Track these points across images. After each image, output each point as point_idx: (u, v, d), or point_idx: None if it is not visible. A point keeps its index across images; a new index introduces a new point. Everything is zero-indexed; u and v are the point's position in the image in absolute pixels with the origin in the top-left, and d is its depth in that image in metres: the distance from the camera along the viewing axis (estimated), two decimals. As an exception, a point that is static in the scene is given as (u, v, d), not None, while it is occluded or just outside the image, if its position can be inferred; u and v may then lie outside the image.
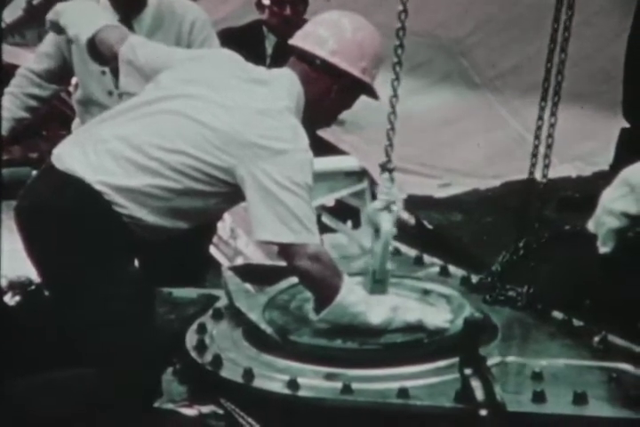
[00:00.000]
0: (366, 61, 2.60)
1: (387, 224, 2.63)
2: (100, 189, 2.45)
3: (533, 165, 2.97)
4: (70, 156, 2.52)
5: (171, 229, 2.54)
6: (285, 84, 2.58)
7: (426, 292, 2.75)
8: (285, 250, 2.46)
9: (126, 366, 2.43)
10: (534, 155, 2.91)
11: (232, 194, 2.52)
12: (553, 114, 2.92)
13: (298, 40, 2.64)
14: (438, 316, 2.54)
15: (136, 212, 2.47)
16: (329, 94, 2.60)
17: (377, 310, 2.50)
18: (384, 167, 2.68)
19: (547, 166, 2.88)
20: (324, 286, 2.48)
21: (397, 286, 2.75)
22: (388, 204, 2.66)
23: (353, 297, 2.48)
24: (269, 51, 4.24)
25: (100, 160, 2.49)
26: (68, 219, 2.45)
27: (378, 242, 2.62)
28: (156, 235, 2.54)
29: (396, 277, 2.77)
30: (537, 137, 2.90)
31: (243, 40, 4.16)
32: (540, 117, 2.89)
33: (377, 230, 2.64)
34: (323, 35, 2.60)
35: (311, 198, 2.49)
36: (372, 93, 2.66)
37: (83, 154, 2.51)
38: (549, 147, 2.90)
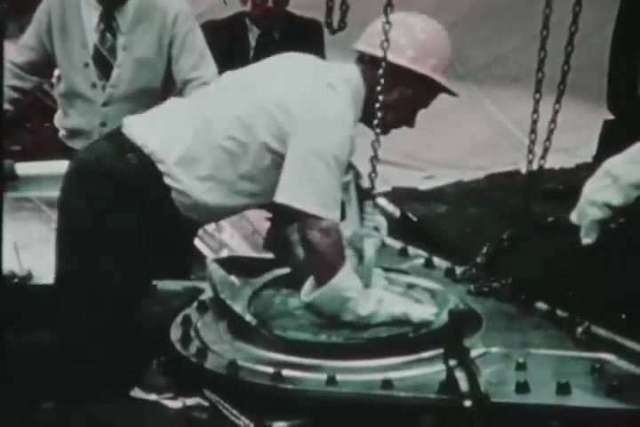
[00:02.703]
0: (415, 50, 2.58)
1: (370, 251, 2.64)
2: (158, 158, 2.53)
3: (530, 161, 2.96)
4: (138, 124, 2.62)
5: (219, 212, 2.63)
6: (345, 72, 2.61)
7: (410, 286, 2.75)
8: (301, 218, 2.49)
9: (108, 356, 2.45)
10: (530, 150, 2.91)
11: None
12: (557, 107, 2.91)
13: (359, 44, 2.64)
14: (423, 309, 2.55)
15: (190, 188, 2.54)
16: (386, 86, 2.56)
17: (366, 302, 2.50)
18: (368, 194, 2.69)
19: (543, 157, 2.87)
20: (324, 263, 2.49)
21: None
22: (372, 230, 2.67)
23: (349, 282, 2.49)
24: (253, 43, 4.23)
25: (168, 130, 2.58)
26: (118, 180, 2.53)
27: (361, 268, 2.61)
28: (202, 217, 2.62)
29: (381, 270, 2.77)
30: (533, 131, 2.89)
31: (226, 32, 4.15)
32: (535, 110, 2.89)
33: (360, 256, 2.64)
34: (372, 32, 2.60)
35: (342, 175, 2.52)
36: (443, 88, 2.64)
37: (152, 124, 2.61)
38: (549, 138, 2.90)
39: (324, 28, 2.75)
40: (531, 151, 2.85)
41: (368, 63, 2.62)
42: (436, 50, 2.61)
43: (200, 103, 2.65)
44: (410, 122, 2.69)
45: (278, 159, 2.54)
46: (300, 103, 2.51)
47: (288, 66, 2.67)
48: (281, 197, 2.49)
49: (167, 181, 2.55)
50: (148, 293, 2.64)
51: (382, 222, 2.71)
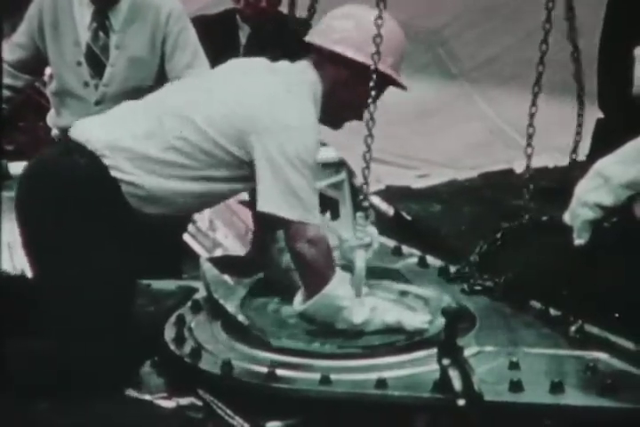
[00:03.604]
0: (394, 56, 2.60)
1: (360, 262, 2.64)
2: (102, 152, 2.51)
3: (529, 157, 2.97)
4: (84, 124, 2.62)
5: (173, 206, 2.56)
6: (300, 72, 2.60)
7: (403, 293, 2.76)
8: (286, 227, 2.49)
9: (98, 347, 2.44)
10: (529, 144, 2.91)
11: (241, 178, 2.55)
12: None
13: (314, 37, 2.64)
14: (417, 317, 2.55)
15: (141, 180, 2.51)
16: (344, 83, 2.59)
17: (359, 310, 2.50)
18: (359, 205, 2.69)
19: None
20: (315, 274, 2.49)
21: (375, 287, 2.75)
22: (363, 242, 2.67)
23: (341, 291, 2.49)
24: (243, 40, 4.23)
25: (111, 127, 2.57)
26: (63, 183, 2.50)
27: (351, 279, 2.61)
28: (157, 210, 2.55)
29: (374, 277, 2.77)
30: (531, 124, 2.89)
31: (216, 28, 4.15)
32: (534, 103, 2.88)
33: (351, 267, 2.64)
34: (328, 26, 2.61)
35: (315, 179, 2.53)
36: (396, 84, 2.65)
37: (98, 123, 2.60)
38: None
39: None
40: (529, 145, 2.85)
41: (326, 59, 2.60)
42: (394, 47, 2.62)
43: (153, 104, 2.63)
44: (360, 116, 2.68)
45: (231, 160, 2.52)
46: (261, 110, 2.50)
47: (245, 71, 2.65)
48: (263, 207, 2.48)
49: (115, 174, 2.51)
50: (131, 290, 2.59)
51: (374, 234, 2.70)
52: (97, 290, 2.47)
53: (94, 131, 2.57)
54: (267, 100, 2.52)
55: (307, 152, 2.49)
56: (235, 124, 2.51)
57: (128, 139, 2.54)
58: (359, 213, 2.67)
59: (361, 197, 2.68)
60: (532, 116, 2.94)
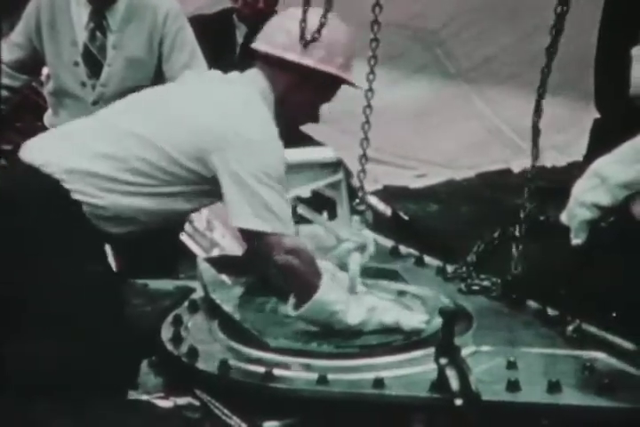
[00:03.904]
0: (323, 50, 2.54)
1: (355, 266, 2.64)
2: (61, 176, 2.44)
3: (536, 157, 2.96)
4: (36, 147, 2.53)
5: (136, 224, 2.52)
6: (252, 82, 2.57)
7: (401, 293, 2.76)
8: (263, 241, 2.46)
9: (95, 362, 2.41)
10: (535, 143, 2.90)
11: (204, 193, 2.52)
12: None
13: (260, 44, 2.61)
14: (414, 317, 2.54)
15: (101, 200, 2.45)
16: (295, 88, 2.56)
17: (355, 310, 2.50)
18: (354, 209, 2.68)
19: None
20: (303, 283, 2.48)
21: (372, 287, 2.75)
22: (358, 245, 2.66)
23: (332, 295, 2.48)
24: (240, 40, 4.23)
25: (67, 149, 2.49)
26: (24, 211, 2.42)
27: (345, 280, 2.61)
28: (120, 230, 2.51)
29: (371, 277, 2.77)
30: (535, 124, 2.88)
31: (213, 28, 4.15)
32: (541, 96, 2.87)
33: (346, 271, 2.64)
34: (272, 31, 2.57)
35: (285, 189, 2.49)
36: (349, 83, 2.62)
37: (54, 145, 2.52)
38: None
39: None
40: (535, 140, 2.83)
41: (274, 65, 2.57)
42: (342, 47, 2.58)
43: (109, 123, 2.56)
44: (316, 118, 2.66)
45: (193, 177, 2.48)
46: (220, 126, 2.45)
47: (199, 86, 2.60)
48: (237, 223, 2.45)
49: (76, 197, 2.44)
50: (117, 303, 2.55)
51: (370, 238, 2.70)
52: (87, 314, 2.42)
53: (49, 153, 2.49)
54: (224, 116, 2.47)
55: (271, 164, 2.45)
56: (195, 143, 2.46)
57: (85, 161, 2.47)
58: (355, 217, 2.67)
59: (357, 200, 2.68)
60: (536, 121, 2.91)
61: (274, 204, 2.44)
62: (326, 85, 2.60)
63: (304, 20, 2.50)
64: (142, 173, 2.47)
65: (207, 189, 2.51)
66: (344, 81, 2.62)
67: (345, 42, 2.59)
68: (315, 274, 2.47)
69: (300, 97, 2.58)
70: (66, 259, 2.43)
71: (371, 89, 2.62)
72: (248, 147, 2.44)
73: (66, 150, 2.50)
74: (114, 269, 2.74)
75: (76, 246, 2.45)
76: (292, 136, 2.63)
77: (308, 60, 2.54)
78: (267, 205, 2.43)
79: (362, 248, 2.69)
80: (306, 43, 2.52)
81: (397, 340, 2.48)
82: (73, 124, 2.65)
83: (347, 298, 2.53)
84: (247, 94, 2.53)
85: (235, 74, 2.63)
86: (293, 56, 2.54)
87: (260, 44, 2.61)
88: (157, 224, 2.59)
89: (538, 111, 2.78)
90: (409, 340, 2.48)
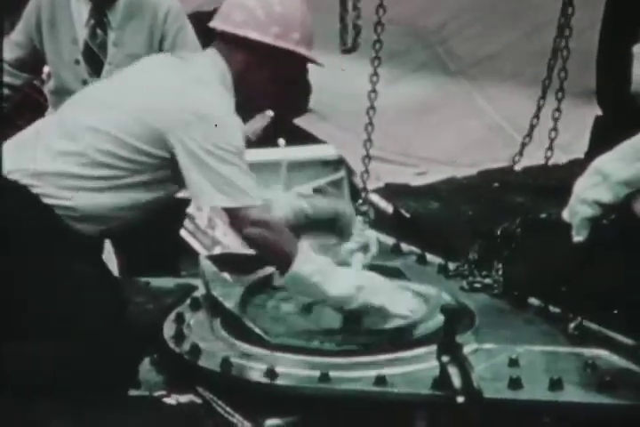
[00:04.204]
0: (279, 26, 2.51)
1: (357, 266, 2.63)
2: (28, 182, 2.41)
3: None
4: (6, 151, 2.47)
5: (108, 222, 2.50)
6: (208, 61, 2.55)
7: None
8: (231, 218, 2.45)
9: (93, 362, 2.41)
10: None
11: (171, 179, 2.48)
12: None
13: (217, 22, 2.57)
14: (403, 303, 2.51)
15: (68, 200, 2.42)
16: (252, 66, 2.53)
17: (339, 283, 2.46)
18: (357, 210, 2.66)
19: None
20: (276, 254, 2.45)
21: None
22: (361, 245, 2.66)
23: (308, 267, 2.43)
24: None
25: (33, 151, 2.46)
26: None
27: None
28: (92, 229, 2.48)
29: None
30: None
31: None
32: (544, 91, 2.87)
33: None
34: (229, 9, 2.54)
35: (245, 161, 2.44)
36: (309, 60, 2.57)
37: (14, 151, 2.48)
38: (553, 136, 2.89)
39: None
40: (529, 137, 2.84)
41: (231, 43, 2.54)
42: (298, 22, 2.54)
43: (63, 120, 2.54)
44: (281, 99, 2.62)
45: (156, 162, 2.46)
46: (173, 105, 2.44)
47: (150, 69, 2.59)
48: (199, 202, 2.44)
49: (46, 201, 2.42)
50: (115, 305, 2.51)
51: (372, 238, 2.68)
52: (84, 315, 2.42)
53: (11, 159, 2.44)
54: (176, 94, 2.45)
55: (228, 139, 2.42)
56: (149, 125, 2.44)
57: (50, 161, 2.45)
58: (358, 217, 2.66)
59: (360, 200, 2.67)
60: (539, 108, 2.90)
61: (235, 178, 2.41)
62: (285, 63, 2.56)
63: None
64: (105, 164, 2.45)
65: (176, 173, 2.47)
66: (303, 58, 2.57)
67: (301, 18, 2.55)
68: (287, 243, 2.44)
69: (258, 76, 2.55)
70: (49, 263, 2.42)
71: (374, 90, 2.61)
72: (202, 124, 2.41)
73: (26, 154, 2.47)
74: (108, 268, 2.73)
75: (57, 250, 2.43)
76: (253, 116, 2.58)
77: (264, 37, 2.51)
78: (227, 181, 2.40)
79: (365, 248, 2.69)
80: (261, 20, 2.49)
81: (400, 337, 2.48)
82: (38, 124, 2.63)
83: (329, 268, 2.48)
84: (200, 74, 2.50)
85: (190, 55, 2.61)
86: (249, 33, 2.51)
87: (216, 23, 2.57)
88: (135, 218, 2.56)
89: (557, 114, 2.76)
90: (412, 338, 2.47)
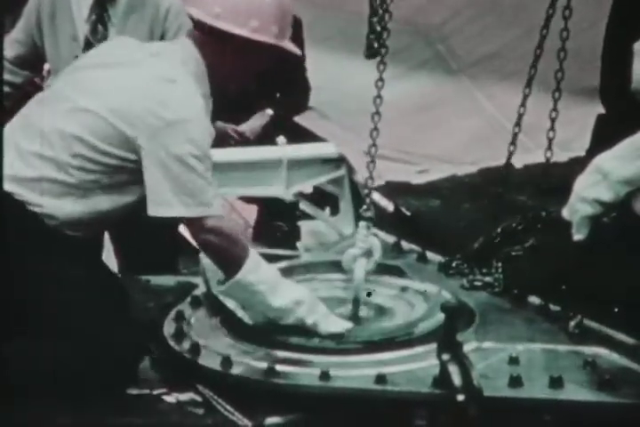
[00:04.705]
0: (258, 20, 2.47)
1: (360, 271, 2.63)
2: (11, 190, 2.38)
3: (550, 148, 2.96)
4: None
5: (92, 226, 2.50)
6: (178, 52, 2.52)
7: (403, 289, 2.76)
8: (188, 224, 2.47)
9: (92, 362, 2.41)
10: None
11: (136, 183, 2.47)
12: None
13: (193, 10, 2.53)
14: (337, 323, 2.49)
15: (48, 208, 2.42)
16: (227, 57, 2.51)
17: (281, 294, 2.46)
18: (360, 215, 2.67)
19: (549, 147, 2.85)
20: (225, 261, 2.46)
21: (375, 283, 2.75)
22: (365, 251, 2.66)
23: (253, 276, 2.44)
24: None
25: (9, 155, 2.36)
26: None
27: (351, 289, 2.62)
28: (81, 232, 2.48)
29: (374, 273, 2.76)
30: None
31: None
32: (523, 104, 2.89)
33: (351, 276, 2.65)
34: (217, 2, 2.48)
35: (209, 165, 2.44)
36: (286, 52, 2.55)
37: None
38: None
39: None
40: (518, 126, 2.84)
41: (207, 33, 2.50)
42: (277, 15, 2.50)
43: (35, 124, 2.50)
44: (250, 86, 2.61)
45: (130, 165, 2.45)
46: (143, 109, 2.41)
47: (119, 63, 2.53)
48: (153, 210, 2.41)
49: (31, 208, 2.42)
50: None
51: (376, 245, 2.68)
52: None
53: None
54: (144, 96, 2.41)
55: (197, 145, 2.40)
56: (117, 129, 2.42)
57: (24, 166, 2.44)
58: (362, 223, 2.66)
59: (364, 206, 2.67)
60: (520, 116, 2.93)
61: (195, 187, 2.40)
62: (262, 55, 2.54)
63: None
64: (80, 167, 2.44)
65: None
66: (281, 50, 2.55)
67: (280, 10, 2.52)
68: (237, 253, 2.44)
69: (232, 66, 2.52)
70: (43, 269, 2.41)
71: (379, 96, 2.61)
72: (169, 129, 2.39)
73: (9, 157, 2.36)
74: (108, 268, 2.73)
75: (53, 256, 2.43)
76: (229, 106, 2.57)
77: (242, 31, 2.48)
78: (188, 190, 2.39)
79: (368, 254, 2.69)
80: (240, 12, 2.46)
81: (401, 336, 2.48)
82: (9, 125, 2.54)
83: (275, 279, 2.49)
84: (168, 70, 2.47)
85: (162, 45, 2.57)
86: (227, 26, 2.48)
87: (193, 10, 2.53)
88: (114, 222, 2.57)
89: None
90: (411, 336, 2.48)
